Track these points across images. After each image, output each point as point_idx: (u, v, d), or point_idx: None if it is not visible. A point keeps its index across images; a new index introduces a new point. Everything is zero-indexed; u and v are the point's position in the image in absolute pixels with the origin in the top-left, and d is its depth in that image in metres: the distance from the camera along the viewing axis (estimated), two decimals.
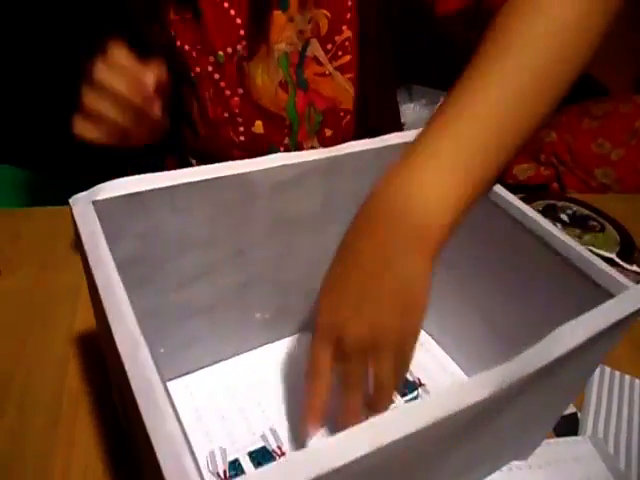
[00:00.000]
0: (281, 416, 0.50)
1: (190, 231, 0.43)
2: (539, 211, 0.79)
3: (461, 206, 0.35)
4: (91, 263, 0.33)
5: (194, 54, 0.62)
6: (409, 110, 1.53)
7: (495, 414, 0.32)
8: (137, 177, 0.40)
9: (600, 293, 0.37)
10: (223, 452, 0.47)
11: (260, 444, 0.48)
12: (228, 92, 0.64)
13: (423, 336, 0.60)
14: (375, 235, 0.36)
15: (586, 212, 0.81)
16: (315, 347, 0.37)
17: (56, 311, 0.59)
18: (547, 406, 0.42)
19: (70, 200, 0.39)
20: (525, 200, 0.73)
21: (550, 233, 0.41)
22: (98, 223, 0.36)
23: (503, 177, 1.53)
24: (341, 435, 0.25)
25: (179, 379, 0.53)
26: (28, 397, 0.51)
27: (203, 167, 0.42)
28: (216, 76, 0.63)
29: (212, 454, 0.47)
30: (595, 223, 0.78)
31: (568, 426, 0.51)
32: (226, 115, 0.66)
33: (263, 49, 0.62)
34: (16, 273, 0.64)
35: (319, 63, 0.65)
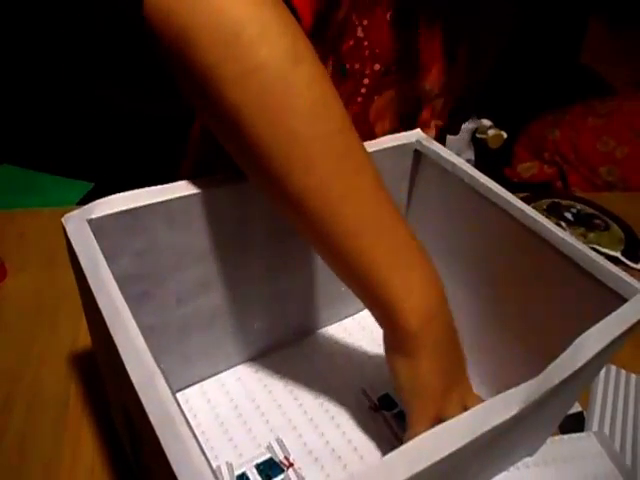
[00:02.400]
0: (286, 425, 0.50)
1: (187, 245, 0.42)
2: (543, 210, 0.79)
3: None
4: (92, 285, 0.32)
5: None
6: None
7: (519, 426, 0.32)
8: (131, 192, 0.39)
9: (611, 297, 0.36)
10: (230, 467, 0.46)
11: (266, 456, 0.47)
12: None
13: None
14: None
15: (590, 210, 0.81)
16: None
17: (63, 310, 0.59)
18: (559, 407, 0.43)
19: (62, 219, 0.37)
20: (529, 198, 0.74)
21: (558, 237, 0.40)
22: (95, 242, 0.35)
23: (507, 175, 1.54)
24: (374, 464, 0.24)
25: (179, 394, 0.52)
26: (36, 396, 0.51)
27: (198, 180, 0.41)
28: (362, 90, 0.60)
29: (219, 469, 0.46)
30: (600, 221, 0.78)
31: (574, 425, 0.51)
32: None
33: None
34: (23, 273, 0.63)
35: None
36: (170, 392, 0.25)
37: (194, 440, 0.23)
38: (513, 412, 0.27)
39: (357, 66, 0.55)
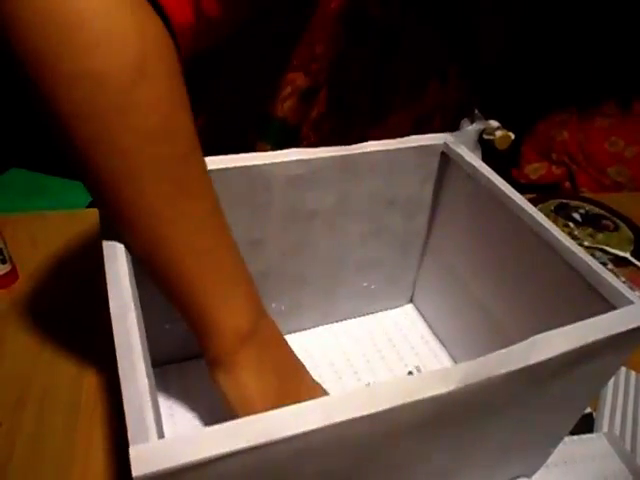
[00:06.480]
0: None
1: None
2: (551, 210, 0.78)
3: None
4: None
5: None
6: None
7: (469, 415, 0.31)
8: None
9: (604, 306, 0.36)
10: None
11: None
12: None
13: (429, 335, 0.60)
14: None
15: (599, 211, 0.80)
16: None
17: (74, 313, 0.59)
18: (548, 421, 0.41)
19: None
20: (537, 199, 0.73)
21: (558, 240, 0.39)
22: None
23: (514, 177, 1.52)
24: (294, 407, 0.24)
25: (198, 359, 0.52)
26: (47, 399, 0.50)
27: (218, 157, 0.42)
28: None
29: None
30: (609, 222, 0.77)
31: (584, 426, 0.50)
32: None
33: None
34: (34, 276, 0.63)
35: None
36: (138, 328, 0.29)
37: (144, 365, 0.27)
38: (450, 387, 0.27)
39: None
